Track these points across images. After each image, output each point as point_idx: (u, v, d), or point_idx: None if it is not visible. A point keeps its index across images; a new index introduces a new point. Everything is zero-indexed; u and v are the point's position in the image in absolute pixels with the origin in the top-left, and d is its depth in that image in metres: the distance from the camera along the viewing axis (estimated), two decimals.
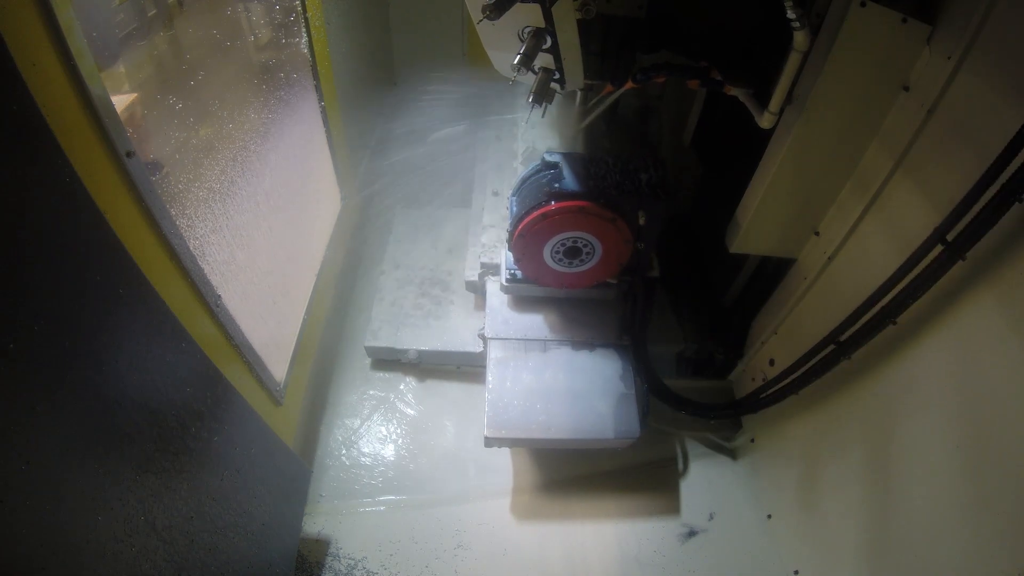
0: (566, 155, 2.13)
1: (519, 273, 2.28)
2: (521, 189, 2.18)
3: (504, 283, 2.34)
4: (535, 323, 2.38)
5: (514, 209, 2.16)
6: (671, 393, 2.32)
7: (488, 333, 2.33)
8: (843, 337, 1.70)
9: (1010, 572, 1.21)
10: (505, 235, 2.25)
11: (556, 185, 1.98)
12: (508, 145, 3.12)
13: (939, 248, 1.36)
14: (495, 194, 2.84)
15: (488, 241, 2.58)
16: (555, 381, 2.23)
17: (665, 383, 2.32)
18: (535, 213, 1.96)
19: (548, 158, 2.12)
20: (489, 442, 2.11)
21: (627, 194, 1.97)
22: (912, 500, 1.52)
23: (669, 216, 2.06)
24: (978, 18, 1.33)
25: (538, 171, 2.15)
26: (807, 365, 1.87)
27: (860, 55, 1.50)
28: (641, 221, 1.98)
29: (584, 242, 2.04)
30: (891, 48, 1.50)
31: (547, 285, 2.26)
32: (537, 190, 2.03)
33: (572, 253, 2.09)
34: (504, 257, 2.39)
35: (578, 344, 2.32)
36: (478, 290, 2.65)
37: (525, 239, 2.04)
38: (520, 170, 2.51)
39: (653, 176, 2.05)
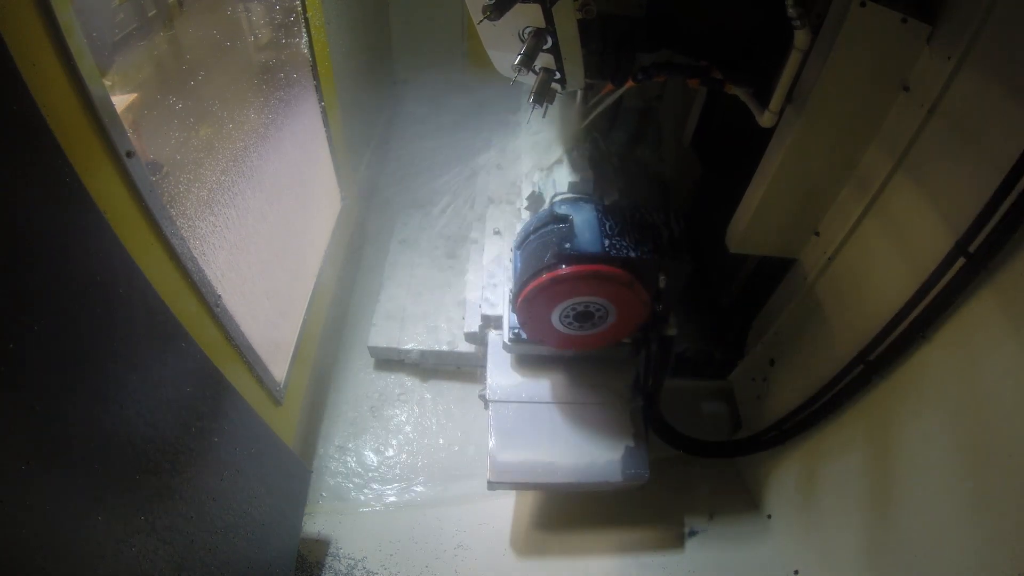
0: (577, 205, 1.94)
1: (524, 332, 2.10)
2: (526, 244, 1.96)
3: (507, 342, 2.17)
4: (541, 384, 2.21)
5: (518, 265, 1.95)
6: (698, 442, 2.23)
7: (490, 395, 2.17)
8: (872, 356, 1.64)
9: (1010, 572, 1.21)
10: (507, 277, 2.12)
11: (567, 245, 1.78)
12: (509, 173, 2.95)
13: (961, 261, 1.34)
14: (496, 233, 2.69)
15: (489, 291, 2.39)
16: (561, 421, 2.10)
17: (688, 437, 2.20)
18: (543, 277, 1.77)
19: (557, 210, 1.92)
20: (492, 486, 1.99)
21: (646, 254, 1.79)
22: (912, 500, 1.52)
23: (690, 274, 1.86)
24: (978, 18, 1.33)
25: (545, 224, 1.93)
26: (837, 387, 1.79)
27: (860, 55, 1.50)
28: (661, 284, 1.83)
29: (597, 306, 1.87)
30: (891, 48, 1.50)
31: (554, 347, 2.12)
32: (545, 248, 1.83)
33: (583, 317, 1.90)
34: (507, 311, 2.20)
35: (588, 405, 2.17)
36: (478, 342, 2.52)
37: (531, 303, 1.85)
38: (524, 215, 2.32)
39: (674, 231, 1.87)
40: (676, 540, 2.21)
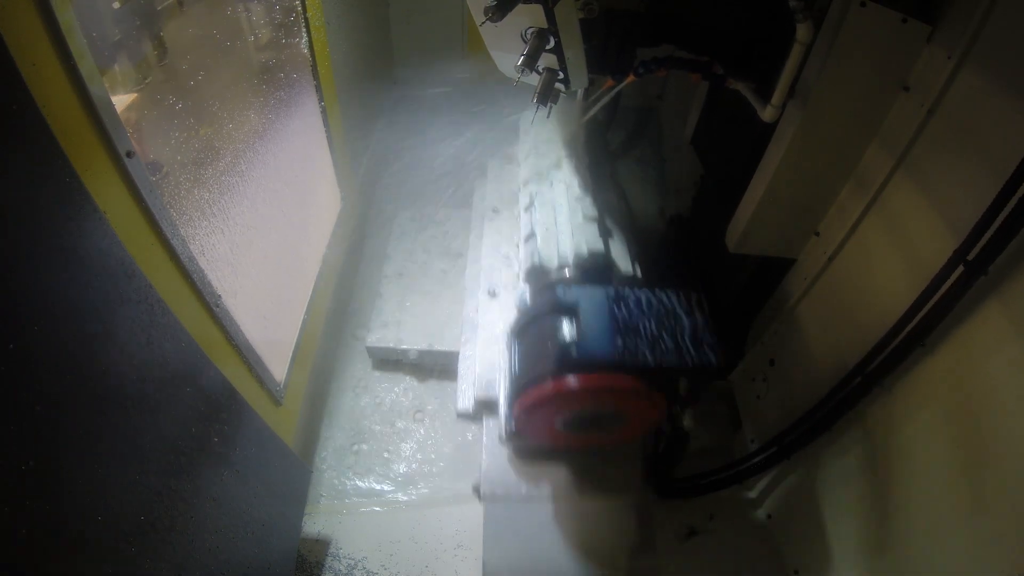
0: (584, 290, 1.68)
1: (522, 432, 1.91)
2: (526, 331, 1.72)
3: (503, 436, 2.01)
4: (541, 477, 2.03)
5: (516, 361, 1.73)
6: (710, 481, 2.17)
7: (485, 490, 2.03)
8: (871, 367, 1.60)
9: (1010, 572, 1.21)
10: (504, 339, 1.92)
11: (573, 351, 1.54)
12: (508, 215, 2.84)
13: (960, 269, 1.33)
14: (492, 295, 2.55)
15: (483, 370, 2.18)
16: (562, 519, 1.95)
17: (699, 480, 2.12)
18: (546, 387, 1.57)
19: (562, 296, 1.64)
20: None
21: (665, 355, 1.55)
22: (912, 501, 1.52)
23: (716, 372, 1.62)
24: (978, 18, 1.33)
25: (548, 312, 1.68)
26: (836, 398, 1.74)
27: (860, 55, 1.50)
28: (682, 390, 1.64)
29: (606, 413, 1.69)
30: (891, 48, 1.50)
31: (557, 447, 1.95)
32: (546, 346, 1.59)
33: (591, 422, 1.73)
34: (503, 402, 2.01)
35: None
36: (473, 419, 2.42)
37: (530, 413, 1.66)
38: (522, 286, 2.10)
39: (698, 322, 1.62)
40: (676, 540, 2.21)
